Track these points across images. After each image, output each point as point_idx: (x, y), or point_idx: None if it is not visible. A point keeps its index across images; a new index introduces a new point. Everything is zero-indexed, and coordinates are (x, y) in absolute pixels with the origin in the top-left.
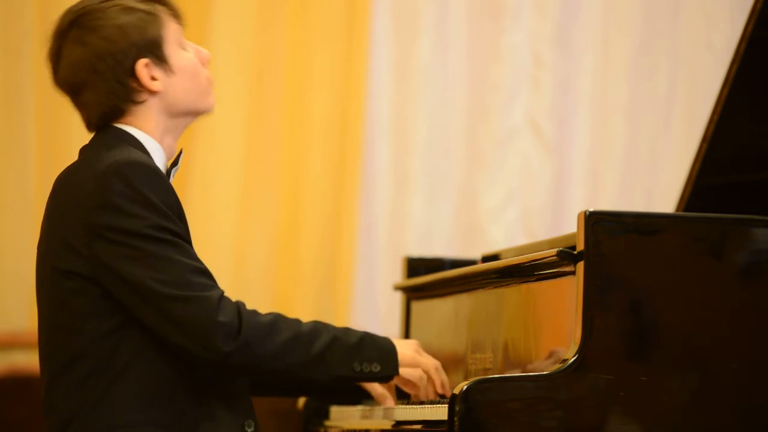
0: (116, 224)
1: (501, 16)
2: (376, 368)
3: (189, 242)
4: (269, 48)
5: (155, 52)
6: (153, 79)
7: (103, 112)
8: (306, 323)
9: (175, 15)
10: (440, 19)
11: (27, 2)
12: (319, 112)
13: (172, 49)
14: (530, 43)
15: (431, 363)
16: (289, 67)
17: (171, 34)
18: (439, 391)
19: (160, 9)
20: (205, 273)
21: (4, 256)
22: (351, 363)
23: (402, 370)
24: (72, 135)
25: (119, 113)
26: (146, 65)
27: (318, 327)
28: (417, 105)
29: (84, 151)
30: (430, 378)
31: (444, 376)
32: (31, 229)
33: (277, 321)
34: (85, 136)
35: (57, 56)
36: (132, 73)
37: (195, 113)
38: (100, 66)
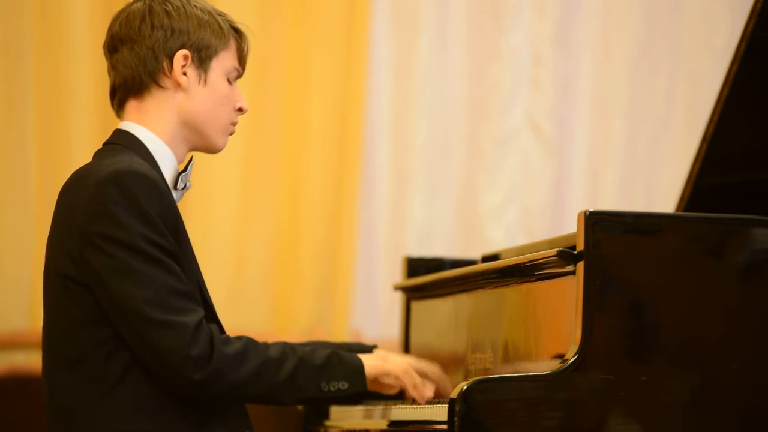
0: (107, 233)
1: (501, 16)
2: (343, 386)
3: (179, 259)
4: (269, 48)
5: (201, 56)
6: (184, 74)
7: (126, 77)
8: (274, 347)
9: (240, 55)
10: (440, 19)
11: (27, 2)
12: (319, 111)
13: (217, 69)
14: (530, 43)
15: (399, 368)
16: (289, 67)
17: (225, 59)
18: (412, 394)
19: (232, 36)
20: (186, 295)
21: (4, 256)
22: (318, 383)
23: (371, 385)
24: (72, 135)
25: (139, 88)
26: (185, 57)
27: (285, 350)
28: (417, 105)
29: (95, 155)
30: (400, 381)
31: (417, 379)
32: (31, 229)
33: (246, 348)
34: (86, 136)
35: (119, 15)
36: (169, 55)
37: (203, 136)
38: (147, 32)
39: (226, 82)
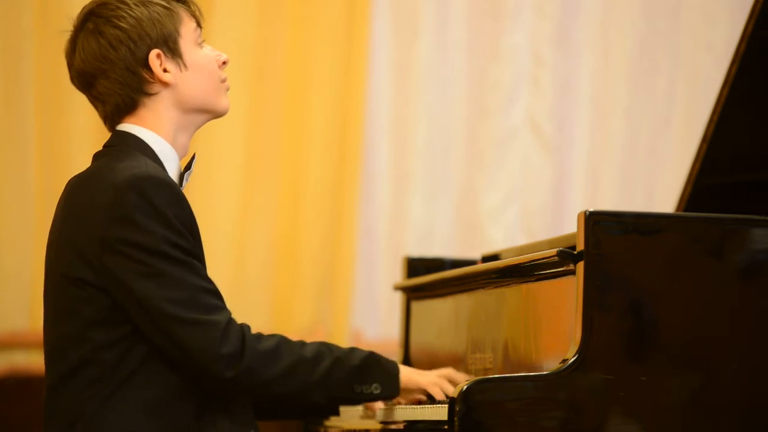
0: (130, 238)
1: (501, 16)
2: (376, 389)
3: (200, 258)
4: (269, 48)
5: (169, 45)
6: (165, 71)
7: (117, 103)
8: (310, 345)
9: (195, 15)
10: (440, 19)
11: (27, 2)
12: (319, 112)
13: (187, 45)
14: (530, 43)
15: (430, 381)
16: (289, 67)
17: (188, 31)
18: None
19: (179, 6)
20: (215, 293)
21: (4, 256)
22: (352, 385)
23: (402, 394)
24: (72, 135)
25: (132, 105)
26: (158, 56)
27: (321, 350)
28: (417, 105)
29: (98, 157)
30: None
31: (447, 388)
32: (31, 229)
33: (279, 346)
34: (86, 136)
35: (73, 49)
36: (144, 64)
37: (208, 111)
38: (113, 55)
39: (200, 50)
